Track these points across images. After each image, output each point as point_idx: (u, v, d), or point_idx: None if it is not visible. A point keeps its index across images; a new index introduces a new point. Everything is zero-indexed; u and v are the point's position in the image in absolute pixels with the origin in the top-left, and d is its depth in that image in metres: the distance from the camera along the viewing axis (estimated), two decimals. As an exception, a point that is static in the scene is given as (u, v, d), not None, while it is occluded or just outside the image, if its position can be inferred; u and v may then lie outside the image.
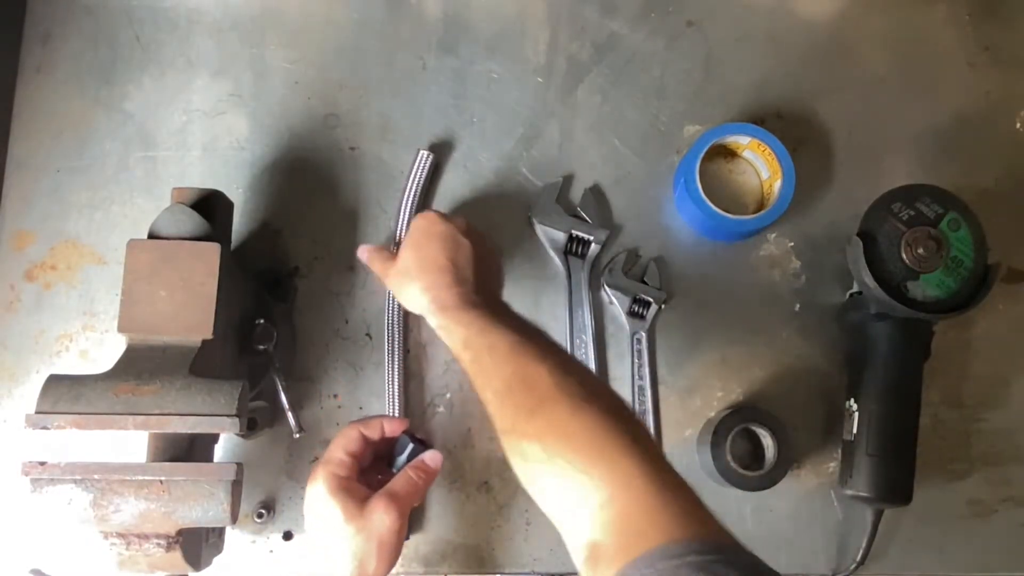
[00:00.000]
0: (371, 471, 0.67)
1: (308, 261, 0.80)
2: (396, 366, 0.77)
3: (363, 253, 0.73)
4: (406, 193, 0.80)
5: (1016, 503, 0.79)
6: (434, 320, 0.64)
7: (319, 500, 0.62)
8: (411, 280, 0.66)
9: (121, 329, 0.63)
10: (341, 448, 0.64)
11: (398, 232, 0.80)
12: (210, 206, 0.69)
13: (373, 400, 0.78)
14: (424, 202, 0.81)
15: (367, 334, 0.79)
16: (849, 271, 0.75)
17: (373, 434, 0.66)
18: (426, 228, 0.68)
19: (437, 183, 0.82)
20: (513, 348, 0.57)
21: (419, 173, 0.79)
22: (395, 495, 0.62)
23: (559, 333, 0.79)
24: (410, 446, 0.66)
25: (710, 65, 0.85)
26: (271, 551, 0.75)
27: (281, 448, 0.76)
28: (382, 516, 0.61)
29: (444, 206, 0.82)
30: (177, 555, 0.58)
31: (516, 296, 0.80)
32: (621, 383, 0.79)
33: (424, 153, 0.80)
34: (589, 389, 0.54)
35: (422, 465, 0.65)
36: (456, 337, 0.61)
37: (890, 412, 0.73)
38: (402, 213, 0.80)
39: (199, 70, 0.83)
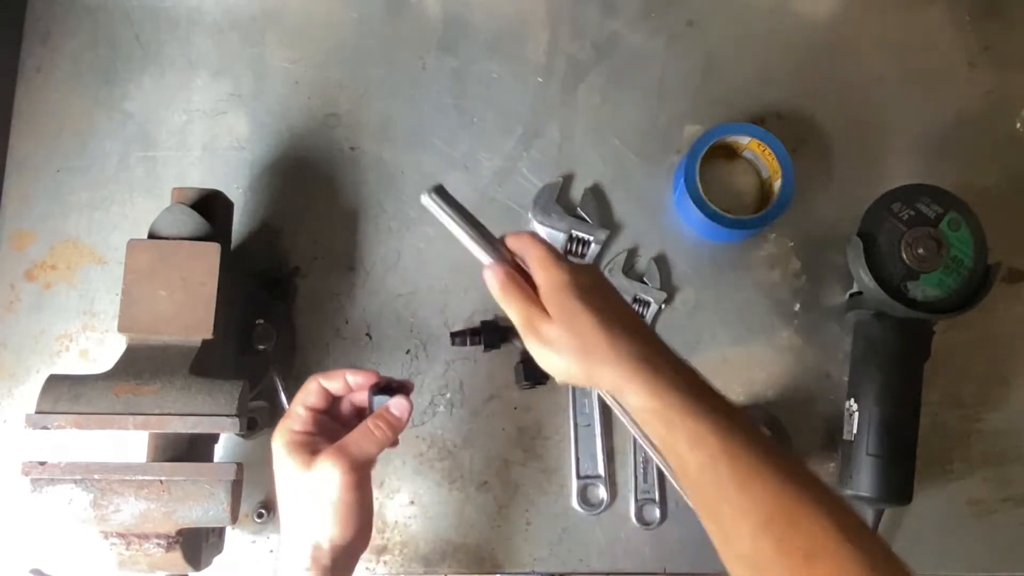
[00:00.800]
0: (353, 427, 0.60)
1: (308, 261, 0.80)
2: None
3: (495, 277, 0.56)
4: (460, 230, 0.57)
5: (1016, 503, 0.79)
6: (639, 401, 0.53)
7: (276, 458, 0.58)
8: (599, 353, 0.53)
9: (121, 329, 0.63)
10: (299, 402, 0.60)
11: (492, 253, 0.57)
12: (210, 206, 0.69)
13: (373, 400, 0.78)
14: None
15: (367, 334, 0.79)
16: (849, 271, 0.75)
17: (335, 386, 0.60)
18: (591, 283, 0.55)
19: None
20: (767, 464, 0.50)
21: (446, 208, 0.57)
22: (343, 448, 0.57)
23: (559, 333, 0.79)
24: (376, 398, 0.60)
25: (710, 65, 0.85)
26: (271, 551, 0.75)
27: (281, 448, 0.76)
28: (330, 469, 0.55)
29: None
30: (177, 555, 0.59)
31: (516, 296, 0.80)
32: (621, 383, 0.79)
33: (426, 197, 0.57)
34: (868, 539, 0.50)
35: (384, 413, 0.59)
36: (680, 431, 0.52)
37: (890, 412, 0.73)
38: (474, 244, 0.57)
39: (199, 70, 0.83)
